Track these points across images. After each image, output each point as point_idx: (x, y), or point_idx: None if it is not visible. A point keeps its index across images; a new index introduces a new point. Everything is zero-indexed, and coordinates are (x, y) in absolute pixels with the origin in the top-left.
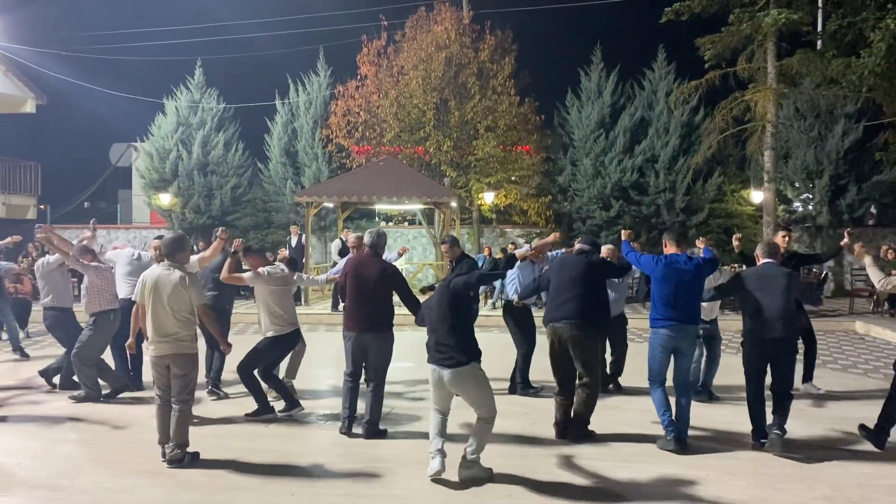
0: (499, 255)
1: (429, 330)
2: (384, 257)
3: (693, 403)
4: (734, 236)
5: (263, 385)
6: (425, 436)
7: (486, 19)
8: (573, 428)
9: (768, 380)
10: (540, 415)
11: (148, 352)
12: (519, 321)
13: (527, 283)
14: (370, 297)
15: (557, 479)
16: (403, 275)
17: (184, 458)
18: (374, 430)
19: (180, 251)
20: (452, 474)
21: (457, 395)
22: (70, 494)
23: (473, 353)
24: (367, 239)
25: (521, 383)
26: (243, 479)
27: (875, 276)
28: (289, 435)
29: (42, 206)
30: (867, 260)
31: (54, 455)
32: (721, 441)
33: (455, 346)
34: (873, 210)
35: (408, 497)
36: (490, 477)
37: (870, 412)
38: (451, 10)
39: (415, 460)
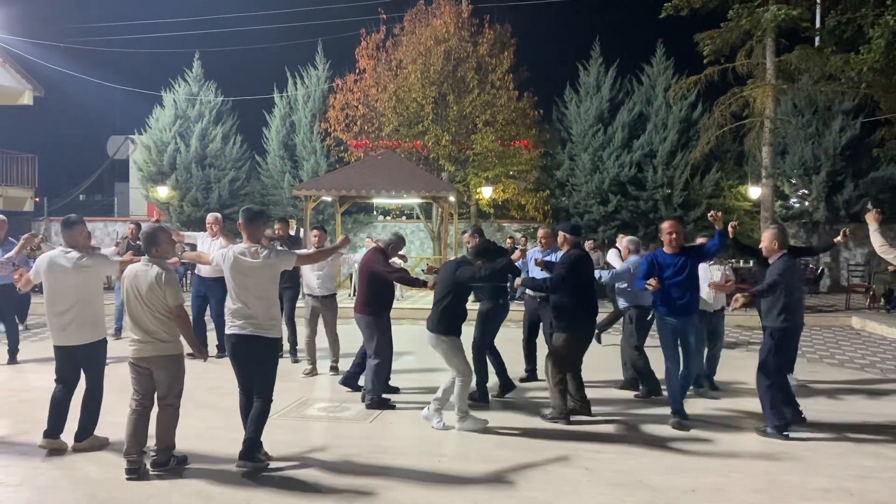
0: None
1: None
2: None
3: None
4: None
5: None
6: (429, 425)
7: (486, 13)
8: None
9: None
10: (539, 409)
11: (127, 352)
12: None
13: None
14: (364, 285)
15: (559, 470)
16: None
17: (169, 461)
18: (372, 401)
19: (158, 244)
20: (459, 468)
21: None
22: (74, 483)
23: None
24: (383, 236)
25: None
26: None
27: (877, 240)
28: (290, 428)
29: (37, 199)
30: (873, 226)
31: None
32: (720, 433)
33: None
34: (869, 206)
35: (413, 489)
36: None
37: (868, 406)
38: (450, 3)
39: (421, 450)
